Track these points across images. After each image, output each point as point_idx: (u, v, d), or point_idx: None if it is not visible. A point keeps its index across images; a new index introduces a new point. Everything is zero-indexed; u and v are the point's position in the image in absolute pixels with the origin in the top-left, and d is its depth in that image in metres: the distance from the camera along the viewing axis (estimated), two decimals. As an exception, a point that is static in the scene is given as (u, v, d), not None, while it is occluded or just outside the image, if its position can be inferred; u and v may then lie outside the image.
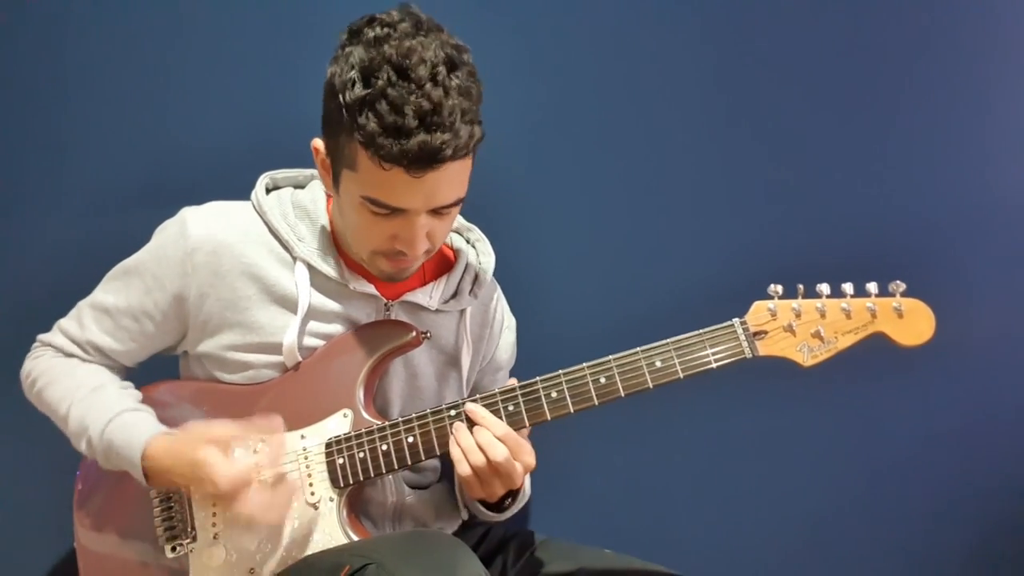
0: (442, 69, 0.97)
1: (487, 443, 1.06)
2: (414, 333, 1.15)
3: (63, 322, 1.21)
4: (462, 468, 1.07)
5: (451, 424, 1.10)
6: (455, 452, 1.08)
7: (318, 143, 1.09)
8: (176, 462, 1.06)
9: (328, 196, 1.20)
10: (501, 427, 1.08)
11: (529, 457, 1.09)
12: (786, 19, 1.59)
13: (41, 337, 1.22)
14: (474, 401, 1.11)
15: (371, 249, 1.09)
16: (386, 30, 0.98)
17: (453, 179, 1.02)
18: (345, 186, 1.05)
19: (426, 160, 0.97)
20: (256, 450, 1.13)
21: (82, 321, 1.18)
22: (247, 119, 1.47)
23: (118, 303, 1.16)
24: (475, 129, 1.00)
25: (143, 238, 1.18)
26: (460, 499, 1.27)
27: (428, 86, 0.95)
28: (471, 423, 1.09)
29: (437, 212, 1.05)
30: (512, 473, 1.07)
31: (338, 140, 1.02)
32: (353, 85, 0.97)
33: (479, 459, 1.06)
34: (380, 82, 0.95)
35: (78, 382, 1.15)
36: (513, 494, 1.18)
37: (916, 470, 1.63)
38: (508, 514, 1.22)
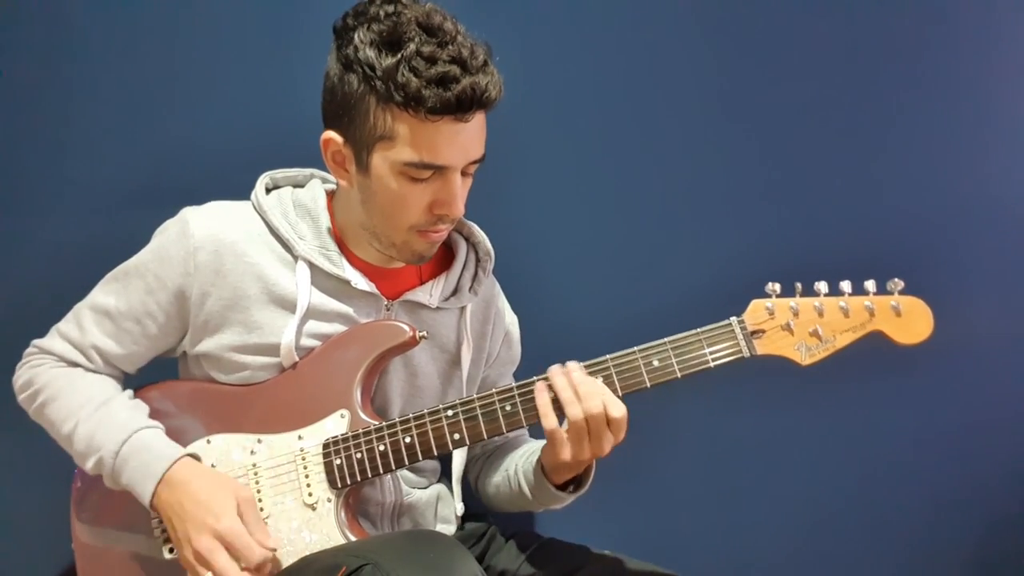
0: (461, 25, 1.03)
1: (586, 394, 1.05)
2: (411, 333, 1.14)
3: (61, 326, 1.18)
4: (551, 423, 1.06)
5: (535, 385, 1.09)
6: (545, 405, 1.07)
7: (330, 135, 1.09)
8: (201, 483, 1.06)
9: (328, 194, 1.20)
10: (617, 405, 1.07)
11: (620, 433, 1.08)
12: (783, 18, 1.59)
13: (37, 343, 1.19)
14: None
15: (409, 224, 1.09)
16: (392, 5, 1.03)
17: (481, 130, 1.08)
18: (378, 163, 1.06)
19: (475, 102, 1.02)
20: (253, 451, 1.14)
21: (82, 324, 1.16)
22: (246, 120, 1.47)
23: (119, 305, 1.15)
24: (501, 76, 1.05)
25: (142, 239, 1.17)
26: (459, 491, 1.26)
27: (459, 37, 1.02)
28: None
29: (465, 171, 1.08)
30: (602, 437, 1.06)
31: (365, 118, 1.04)
32: (381, 55, 1.01)
33: (577, 411, 1.05)
34: (412, 43, 1.00)
35: (83, 397, 1.12)
36: (578, 481, 1.17)
37: (914, 469, 1.63)
38: (570, 499, 1.19)
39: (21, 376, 1.18)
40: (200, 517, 1.04)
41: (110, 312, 1.15)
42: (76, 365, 1.17)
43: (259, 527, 1.06)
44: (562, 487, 1.17)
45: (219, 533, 1.03)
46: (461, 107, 1.01)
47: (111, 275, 1.17)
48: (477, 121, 1.05)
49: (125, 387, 1.19)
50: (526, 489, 1.21)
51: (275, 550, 1.07)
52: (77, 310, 1.18)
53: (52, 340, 1.18)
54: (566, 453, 1.08)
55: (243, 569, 1.02)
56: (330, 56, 1.07)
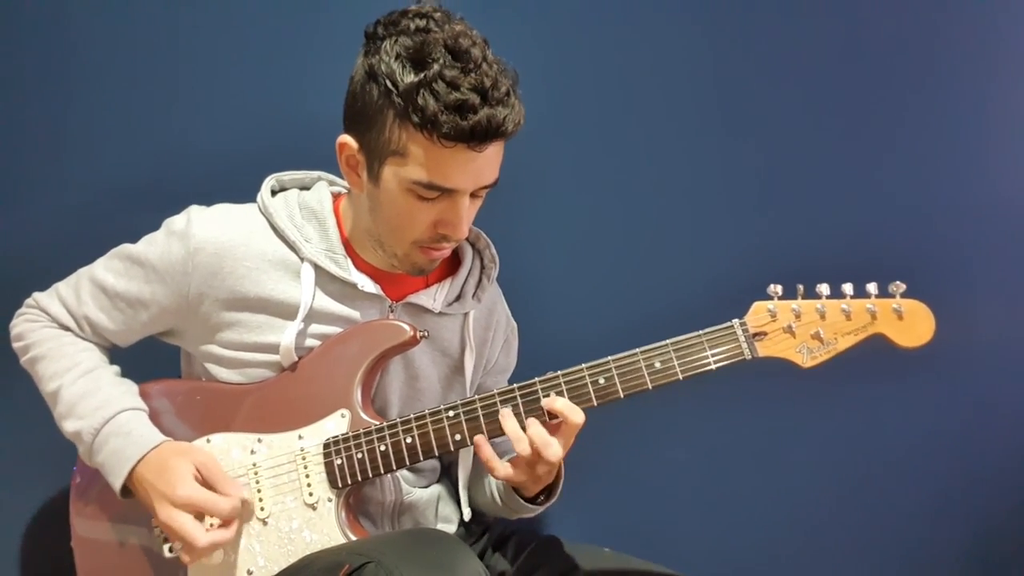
0: (489, 51, 1.02)
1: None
2: (411, 332, 1.14)
3: (61, 288, 1.21)
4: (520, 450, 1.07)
5: (500, 409, 1.09)
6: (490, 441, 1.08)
7: (346, 139, 1.09)
8: (161, 458, 1.09)
9: (335, 197, 1.20)
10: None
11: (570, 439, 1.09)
12: (784, 19, 1.59)
13: (37, 297, 1.22)
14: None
15: (413, 239, 1.10)
16: (424, 20, 1.02)
17: (497, 157, 1.07)
18: (388, 176, 1.06)
19: (490, 135, 1.01)
20: (253, 450, 1.14)
21: (79, 294, 1.18)
22: (253, 121, 1.47)
23: (117, 286, 1.16)
24: (523, 107, 1.05)
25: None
26: (466, 497, 1.26)
27: (484, 65, 1.00)
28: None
29: (475, 194, 1.08)
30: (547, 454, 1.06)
31: (381, 130, 1.04)
32: (404, 71, 1.00)
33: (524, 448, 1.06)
34: (436, 64, 0.99)
35: (70, 362, 1.16)
36: (548, 491, 1.19)
37: (915, 471, 1.63)
38: (540, 509, 1.21)
39: (16, 326, 1.22)
40: (160, 490, 1.06)
41: (107, 290, 1.17)
42: (67, 329, 1.19)
43: (224, 482, 1.09)
44: (533, 498, 1.19)
45: (179, 502, 1.05)
46: (475, 137, 1.00)
47: (117, 252, 1.19)
48: (492, 149, 1.04)
49: (129, 380, 1.20)
50: (499, 501, 1.24)
51: (243, 497, 1.09)
52: (79, 276, 1.20)
53: (50, 299, 1.20)
54: (521, 476, 1.10)
55: (221, 525, 1.07)
56: (358, 59, 1.07)
